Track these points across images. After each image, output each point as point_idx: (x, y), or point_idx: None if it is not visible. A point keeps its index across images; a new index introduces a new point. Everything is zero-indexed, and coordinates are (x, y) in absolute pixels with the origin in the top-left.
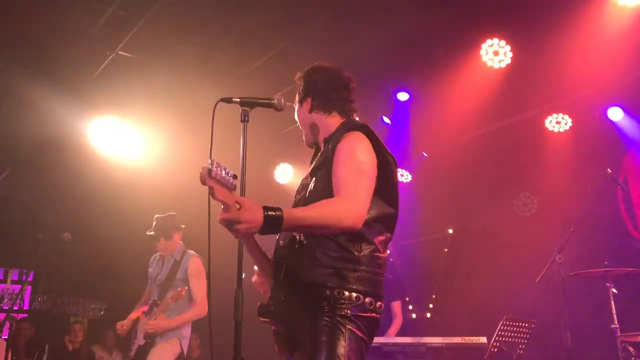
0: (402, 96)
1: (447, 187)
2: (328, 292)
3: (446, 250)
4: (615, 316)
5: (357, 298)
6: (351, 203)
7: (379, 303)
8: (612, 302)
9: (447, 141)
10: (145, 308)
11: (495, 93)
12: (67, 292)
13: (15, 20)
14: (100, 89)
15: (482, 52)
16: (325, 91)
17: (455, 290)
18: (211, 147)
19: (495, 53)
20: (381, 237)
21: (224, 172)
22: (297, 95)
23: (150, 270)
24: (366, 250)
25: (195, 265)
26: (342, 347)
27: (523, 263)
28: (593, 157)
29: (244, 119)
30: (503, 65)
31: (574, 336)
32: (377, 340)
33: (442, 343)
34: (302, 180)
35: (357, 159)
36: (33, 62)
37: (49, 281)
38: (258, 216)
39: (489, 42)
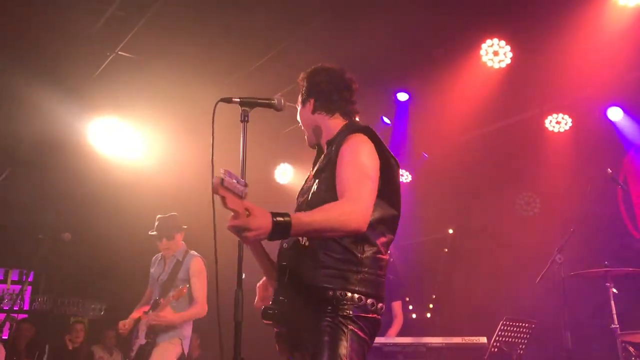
0: (402, 96)
1: (447, 187)
2: (330, 293)
3: (446, 250)
4: (615, 316)
5: (360, 299)
6: (356, 206)
7: (380, 304)
8: (612, 302)
9: (447, 141)
10: (147, 308)
11: (495, 93)
12: (68, 293)
13: (15, 20)
14: (100, 89)
15: (482, 52)
16: (328, 92)
17: (455, 290)
18: (212, 147)
19: (495, 53)
20: (384, 239)
21: (234, 181)
22: (299, 96)
23: (152, 270)
24: (369, 252)
25: (196, 265)
26: (344, 348)
27: (523, 263)
28: (593, 157)
29: (244, 119)
30: (503, 65)
31: (574, 336)
32: (378, 340)
33: (442, 343)
34: (304, 183)
35: (360, 161)
36: (33, 62)
37: (49, 281)
38: (267, 223)
39: (489, 42)
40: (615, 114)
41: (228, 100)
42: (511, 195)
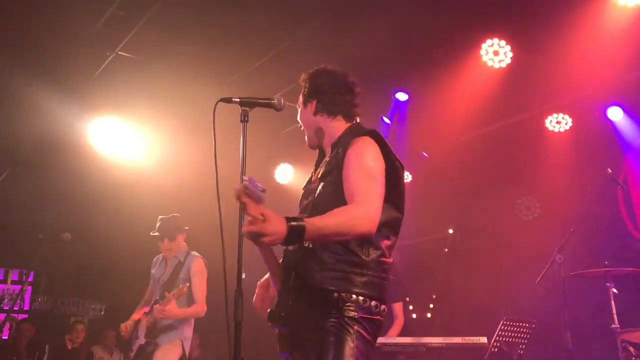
0: (402, 96)
1: (447, 187)
2: (335, 295)
3: (446, 250)
4: (615, 316)
5: (364, 301)
6: (366, 210)
7: (383, 306)
8: (612, 302)
9: (447, 141)
10: (147, 309)
11: (495, 93)
12: (68, 293)
13: (15, 20)
14: (100, 89)
15: (482, 52)
16: (330, 94)
17: (455, 290)
18: (215, 148)
19: (495, 53)
20: (388, 242)
21: (253, 187)
22: (300, 96)
23: (153, 271)
24: (374, 254)
25: (198, 265)
26: (349, 348)
27: (523, 263)
28: (593, 157)
29: (244, 119)
30: (503, 65)
31: (574, 336)
32: (378, 340)
33: (442, 343)
34: (306, 185)
35: (368, 164)
36: (33, 62)
37: (49, 281)
38: (282, 228)
39: (489, 42)
40: (615, 114)
41: (228, 100)
42: (511, 195)
